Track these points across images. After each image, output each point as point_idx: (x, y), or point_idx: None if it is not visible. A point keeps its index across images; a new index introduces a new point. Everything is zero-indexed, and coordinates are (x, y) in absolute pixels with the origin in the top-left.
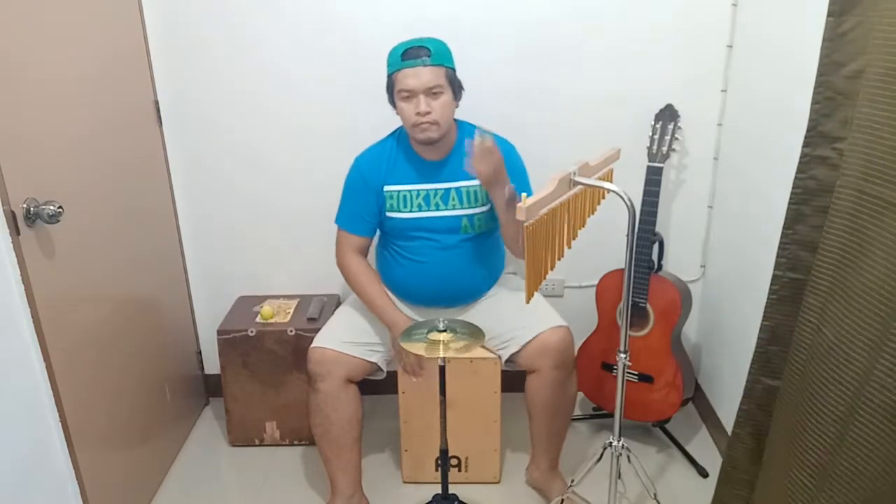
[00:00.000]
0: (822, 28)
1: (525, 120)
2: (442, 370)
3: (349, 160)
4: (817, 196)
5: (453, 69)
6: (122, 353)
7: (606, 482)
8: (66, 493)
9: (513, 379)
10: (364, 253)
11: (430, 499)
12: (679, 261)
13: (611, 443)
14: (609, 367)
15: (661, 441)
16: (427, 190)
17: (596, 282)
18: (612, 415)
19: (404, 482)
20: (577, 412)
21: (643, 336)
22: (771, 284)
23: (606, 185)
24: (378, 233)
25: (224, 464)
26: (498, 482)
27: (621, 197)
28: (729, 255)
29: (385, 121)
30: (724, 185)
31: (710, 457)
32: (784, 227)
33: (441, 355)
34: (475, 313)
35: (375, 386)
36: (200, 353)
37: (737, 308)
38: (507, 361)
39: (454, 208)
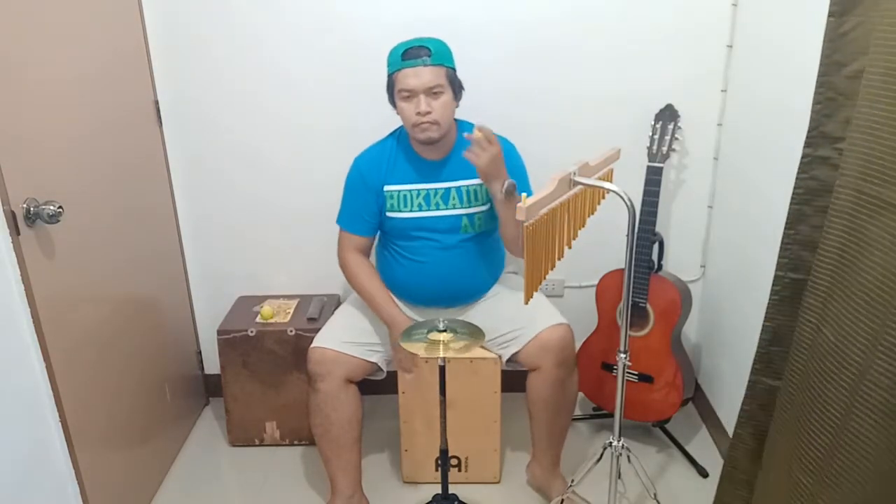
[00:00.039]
0: (823, 28)
1: (525, 120)
2: (442, 370)
3: (349, 160)
4: (819, 196)
5: (453, 69)
6: (122, 353)
7: (606, 482)
8: (66, 493)
9: (513, 379)
10: (366, 252)
11: (430, 499)
12: (679, 261)
13: (611, 443)
14: (609, 367)
15: (661, 441)
16: (427, 189)
17: (596, 282)
18: (612, 415)
19: (404, 482)
20: (577, 412)
21: (643, 336)
22: (773, 285)
23: (606, 185)
24: (378, 233)
25: (224, 464)
26: (498, 482)
27: (621, 197)
28: (729, 256)
29: (385, 121)
30: (724, 185)
31: (710, 457)
32: (786, 228)
33: (441, 355)
34: (476, 313)
35: (375, 386)
36: (200, 353)
37: (737, 308)
38: (508, 361)
39: (454, 208)
